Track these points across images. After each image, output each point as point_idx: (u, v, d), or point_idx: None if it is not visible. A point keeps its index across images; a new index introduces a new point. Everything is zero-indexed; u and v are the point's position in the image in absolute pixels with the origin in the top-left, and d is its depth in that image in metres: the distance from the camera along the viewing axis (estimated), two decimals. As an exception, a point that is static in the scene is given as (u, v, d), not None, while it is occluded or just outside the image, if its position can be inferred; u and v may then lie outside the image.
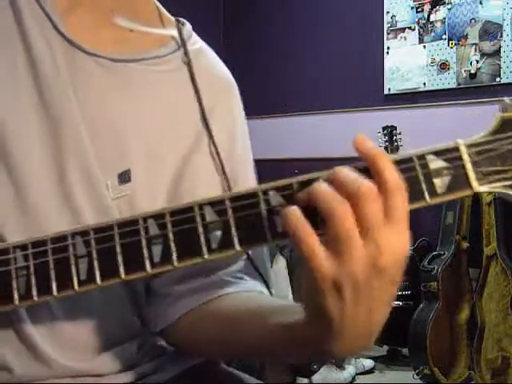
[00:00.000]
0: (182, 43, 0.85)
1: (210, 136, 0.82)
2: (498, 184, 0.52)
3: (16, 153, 0.72)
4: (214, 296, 0.78)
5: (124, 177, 0.75)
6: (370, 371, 3.12)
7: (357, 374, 3.06)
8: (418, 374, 2.76)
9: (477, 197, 2.86)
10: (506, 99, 0.52)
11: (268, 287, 0.83)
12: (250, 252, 0.81)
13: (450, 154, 0.53)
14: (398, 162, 0.53)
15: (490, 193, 0.52)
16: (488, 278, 2.78)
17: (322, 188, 0.52)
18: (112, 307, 0.77)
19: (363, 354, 3.24)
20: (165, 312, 0.79)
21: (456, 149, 0.53)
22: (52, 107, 0.73)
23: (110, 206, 0.74)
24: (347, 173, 0.53)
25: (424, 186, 0.53)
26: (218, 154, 0.82)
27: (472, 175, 0.52)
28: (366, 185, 0.51)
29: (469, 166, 0.52)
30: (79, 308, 0.74)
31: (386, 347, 3.25)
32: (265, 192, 0.55)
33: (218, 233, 0.55)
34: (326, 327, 0.55)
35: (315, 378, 2.89)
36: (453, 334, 2.79)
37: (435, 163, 0.53)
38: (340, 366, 3.01)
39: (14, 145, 0.72)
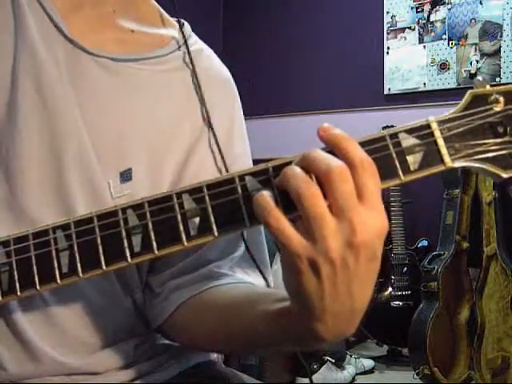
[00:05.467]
0: (184, 43, 0.86)
1: (212, 133, 0.83)
2: (469, 158, 0.52)
3: (14, 151, 0.72)
4: (203, 289, 0.78)
5: (125, 175, 0.76)
6: (370, 371, 3.12)
7: (357, 374, 3.06)
8: (418, 374, 2.75)
9: (477, 197, 2.86)
10: (479, 77, 0.53)
11: (265, 278, 0.83)
12: (246, 244, 0.81)
13: (422, 131, 0.53)
14: (371, 142, 0.54)
15: (463, 167, 0.52)
16: (488, 278, 2.77)
17: (290, 170, 0.53)
18: (109, 306, 0.77)
19: (363, 354, 3.24)
20: (158, 309, 0.80)
21: (428, 126, 0.53)
22: (52, 106, 0.73)
23: (109, 205, 0.74)
24: (318, 154, 0.53)
25: (397, 164, 0.53)
26: (219, 149, 0.82)
27: (444, 151, 0.53)
28: (336, 164, 0.51)
29: (441, 142, 0.53)
30: (76, 306, 0.74)
31: (386, 347, 3.25)
32: (241, 178, 0.56)
33: (197, 220, 0.56)
34: (306, 306, 0.56)
35: (315, 377, 2.89)
36: (453, 334, 2.78)
37: (408, 141, 0.53)
38: (340, 366, 3.01)
39: (12, 143, 0.72)
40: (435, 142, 0.53)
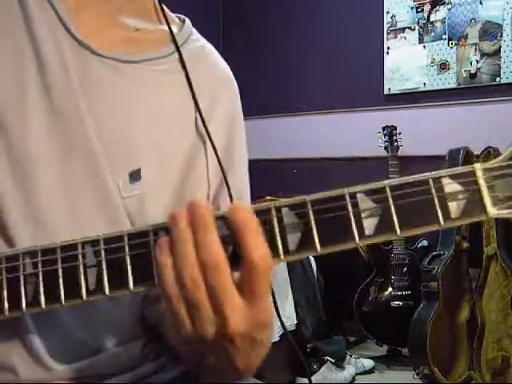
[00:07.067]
0: (177, 48, 0.85)
1: (210, 138, 0.82)
2: None
3: (22, 150, 0.71)
4: None
5: (135, 175, 0.76)
6: (370, 371, 3.13)
7: (357, 374, 3.07)
8: (418, 374, 2.76)
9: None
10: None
11: None
12: None
13: (466, 178, 0.53)
14: (413, 184, 0.53)
15: (505, 218, 0.52)
16: (488, 278, 2.79)
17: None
18: (116, 309, 0.77)
19: (363, 354, 3.25)
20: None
21: (472, 173, 0.52)
22: (60, 107, 0.73)
23: (118, 206, 0.75)
24: (203, 240, 0.54)
25: (438, 210, 0.52)
26: (217, 155, 0.83)
27: (488, 200, 0.52)
28: (212, 258, 0.53)
29: (485, 191, 0.52)
30: (82, 309, 0.73)
31: (386, 347, 3.26)
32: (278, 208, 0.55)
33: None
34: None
35: (315, 378, 2.90)
36: (453, 334, 2.80)
37: (451, 187, 0.53)
38: (340, 366, 3.02)
39: (23, 144, 0.71)
40: (479, 191, 0.52)
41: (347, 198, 0.54)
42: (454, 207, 0.52)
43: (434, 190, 0.53)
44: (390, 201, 0.53)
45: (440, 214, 0.52)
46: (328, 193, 0.55)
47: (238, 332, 0.54)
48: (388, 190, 0.54)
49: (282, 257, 0.54)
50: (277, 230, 0.54)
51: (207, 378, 0.66)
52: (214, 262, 0.52)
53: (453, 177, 0.53)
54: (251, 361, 0.59)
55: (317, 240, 0.54)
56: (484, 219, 0.52)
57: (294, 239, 0.54)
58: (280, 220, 0.54)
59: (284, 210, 0.54)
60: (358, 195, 0.54)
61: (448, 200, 0.52)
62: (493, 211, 0.52)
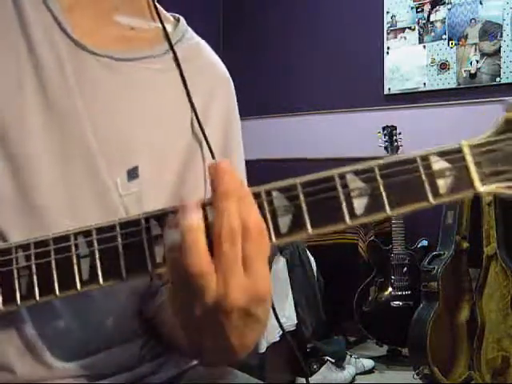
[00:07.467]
0: (170, 46, 0.85)
1: (206, 139, 0.83)
2: (500, 184, 0.52)
3: (20, 150, 0.72)
4: None
5: (132, 173, 0.76)
6: (370, 371, 3.13)
7: (357, 374, 3.07)
8: (418, 374, 2.76)
9: (477, 197, 2.86)
10: (510, 99, 0.52)
11: None
12: None
13: (454, 155, 0.53)
14: (401, 163, 0.53)
15: (491, 193, 0.52)
16: (488, 278, 2.78)
17: (187, 221, 0.54)
18: (115, 307, 0.77)
19: (363, 354, 3.25)
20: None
21: (459, 150, 0.53)
22: (56, 105, 0.73)
23: (116, 204, 0.75)
24: (218, 207, 0.53)
25: (427, 187, 0.53)
26: (212, 156, 0.83)
27: (475, 176, 0.52)
28: (225, 228, 0.52)
29: (472, 167, 0.52)
30: (82, 310, 0.74)
31: (386, 347, 3.26)
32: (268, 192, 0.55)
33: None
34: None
35: (315, 378, 2.90)
36: (453, 334, 2.79)
37: (438, 164, 0.53)
38: (340, 366, 3.02)
39: (22, 145, 0.71)
40: (466, 167, 0.52)
41: (337, 178, 0.54)
42: (442, 184, 0.53)
43: (422, 168, 0.53)
44: (379, 180, 0.54)
45: (429, 191, 0.53)
46: (317, 174, 0.55)
47: (236, 305, 0.53)
48: (377, 169, 0.54)
49: (274, 239, 0.55)
50: (268, 213, 0.55)
51: (206, 363, 0.66)
52: (225, 234, 0.52)
53: (440, 154, 0.53)
54: (246, 340, 0.58)
55: (308, 221, 0.54)
56: (472, 193, 0.52)
57: (285, 222, 0.55)
58: (270, 203, 0.55)
59: (274, 193, 0.55)
60: (348, 175, 0.54)
61: (436, 177, 0.53)
62: (480, 187, 0.52)
